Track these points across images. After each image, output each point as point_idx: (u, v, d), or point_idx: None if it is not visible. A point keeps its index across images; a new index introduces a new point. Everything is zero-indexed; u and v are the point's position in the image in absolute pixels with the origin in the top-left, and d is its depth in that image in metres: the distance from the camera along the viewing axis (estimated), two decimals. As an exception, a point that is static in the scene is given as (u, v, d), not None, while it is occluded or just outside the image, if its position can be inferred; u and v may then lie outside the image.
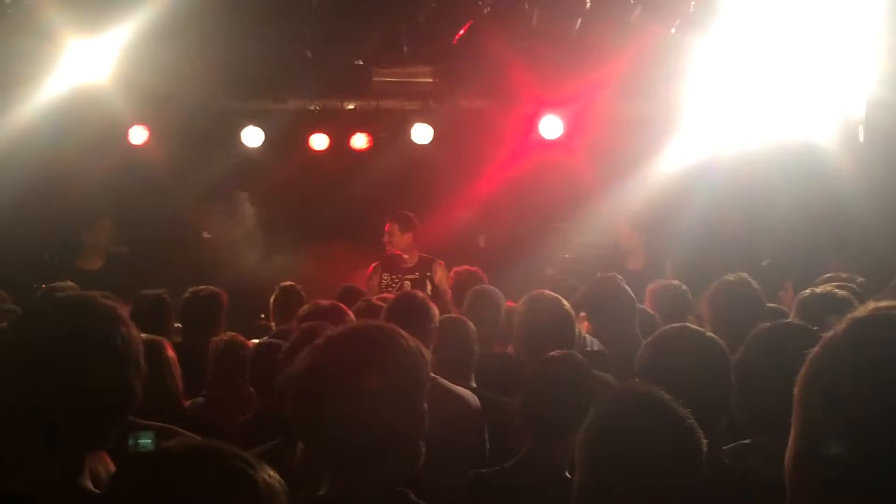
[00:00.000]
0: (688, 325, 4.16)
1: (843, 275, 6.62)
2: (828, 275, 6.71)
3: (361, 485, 2.63)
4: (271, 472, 1.97)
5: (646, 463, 2.80)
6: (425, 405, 2.73)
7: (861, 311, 1.79)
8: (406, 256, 10.15)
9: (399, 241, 10.16)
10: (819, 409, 1.74)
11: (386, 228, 10.22)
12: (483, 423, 5.13)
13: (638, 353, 3.98)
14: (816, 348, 1.80)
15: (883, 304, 1.79)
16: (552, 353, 4.33)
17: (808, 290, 5.69)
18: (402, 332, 2.77)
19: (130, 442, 3.26)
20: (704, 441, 2.87)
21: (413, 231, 10.20)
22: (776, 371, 3.54)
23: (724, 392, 3.66)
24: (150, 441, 3.76)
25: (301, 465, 3.21)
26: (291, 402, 2.67)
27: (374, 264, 10.25)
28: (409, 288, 9.88)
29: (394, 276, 10.10)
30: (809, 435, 1.76)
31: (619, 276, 6.55)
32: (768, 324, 4.04)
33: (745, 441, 3.74)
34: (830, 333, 1.79)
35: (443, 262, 10.18)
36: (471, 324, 5.86)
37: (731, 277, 6.27)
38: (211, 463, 1.89)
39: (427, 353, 2.78)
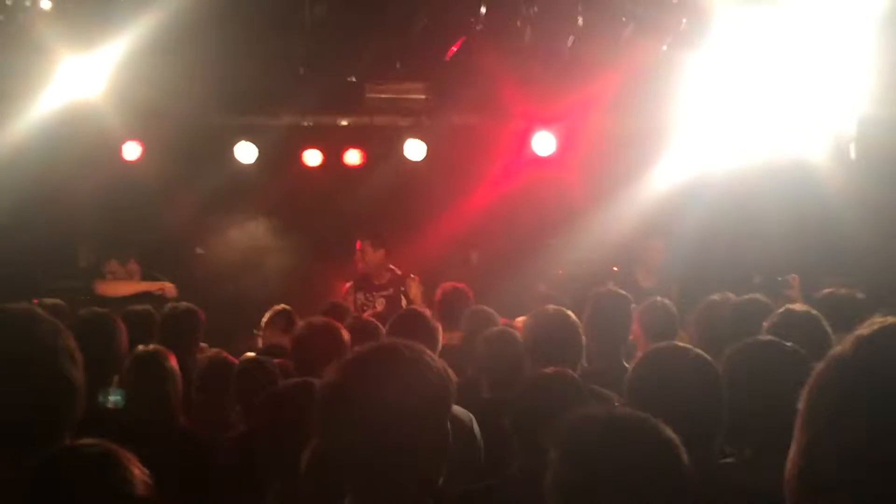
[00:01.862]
0: (677, 343, 4.15)
1: (843, 290, 6.62)
2: (828, 289, 6.70)
3: (383, 499, 2.66)
4: (138, 472, 2.37)
5: (620, 481, 2.78)
6: (449, 425, 2.75)
7: (867, 327, 1.79)
8: (383, 274, 10.17)
9: (371, 258, 10.19)
10: (824, 425, 1.74)
11: (357, 247, 10.24)
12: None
13: (627, 373, 3.97)
14: (822, 364, 1.80)
15: (890, 320, 1.79)
16: (546, 369, 4.34)
17: (783, 308, 5.70)
18: (429, 352, 2.80)
19: (100, 398, 3.27)
20: (684, 455, 2.84)
21: (385, 248, 10.23)
22: (757, 389, 3.58)
23: (716, 410, 3.65)
24: (119, 398, 3.81)
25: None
26: (318, 414, 2.72)
27: (347, 285, 10.27)
28: (383, 304, 9.89)
29: (368, 295, 10.11)
30: (813, 451, 1.75)
31: (622, 294, 6.54)
32: (745, 342, 4.06)
33: (728, 459, 3.73)
34: (838, 349, 1.79)
35: (417, 277, 10.19)
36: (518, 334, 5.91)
37: (717, 297, 6.31)
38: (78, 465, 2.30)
39: (452, 375, 2.79)
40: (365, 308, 9.88)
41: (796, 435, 1.79)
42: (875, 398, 1.68)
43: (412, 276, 10.24)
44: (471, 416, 5.18)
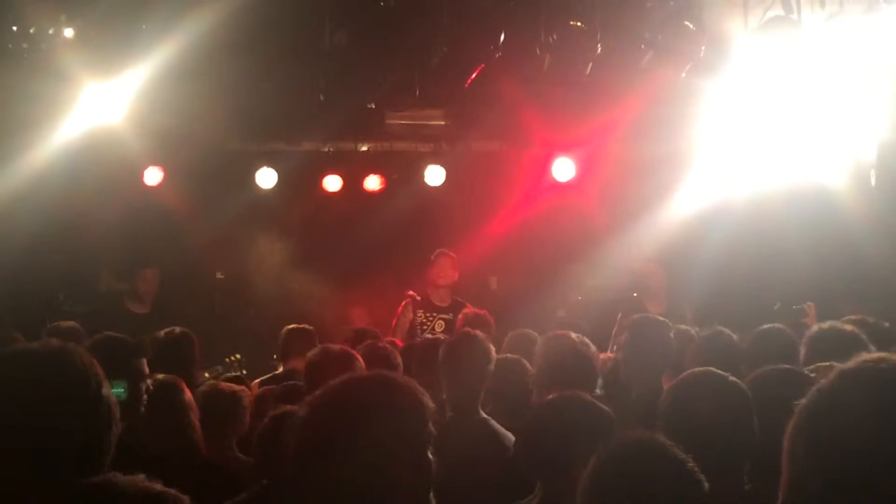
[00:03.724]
0: (710, 369, 4.14)
1: (871, 320, 6.60)
2: (849, 317, 6.68)
3: None
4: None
5: None
6: (430, 454, 2.65)
7: (849, 363, 1.81)
8: (447, 297, 10.19)
9: (451, 276, 10.19)
10: (806, 459, 1.76)
11: (445, 262, 10.20)
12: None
13: (661, 397, 3.99)
14: (805, 400, 1.82)
15: (872, 356, 1.81)
16: (560, 393, 4.34)
17: (815, 326, 5.70)
18: (404, 381, 2.72)
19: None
20: (706, 485, 2.88)
21: (458, 270, 10.29)
22: (769, 419, 3.58)
23: (746, 436, 3.68)
24: (122, 391, 3.88)
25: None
26: (291, 451, 2.64)
27: (406, 300, 10.23)
28: (442, 327, 9.90)
29: (428, 315, 10.12)
30: (797, 484, 1.77)
31: (662, 321, 6.49)
32: (764, 369, 4.08)
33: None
34: (819, 385, 1.81)
35: (470, 306, 10.21)
36: (527, 364, 5.90)
37: (706, 332, 6.29)
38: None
39: (429, 402, 2.70)
40: (424, 327, 9.94)
41: (783, 469, 1.81)
42: (855, 432, 1.70)
43: (468, 304, 10.23)
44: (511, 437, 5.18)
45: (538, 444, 4.04)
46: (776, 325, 6.29)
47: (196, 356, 7.12)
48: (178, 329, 7.18)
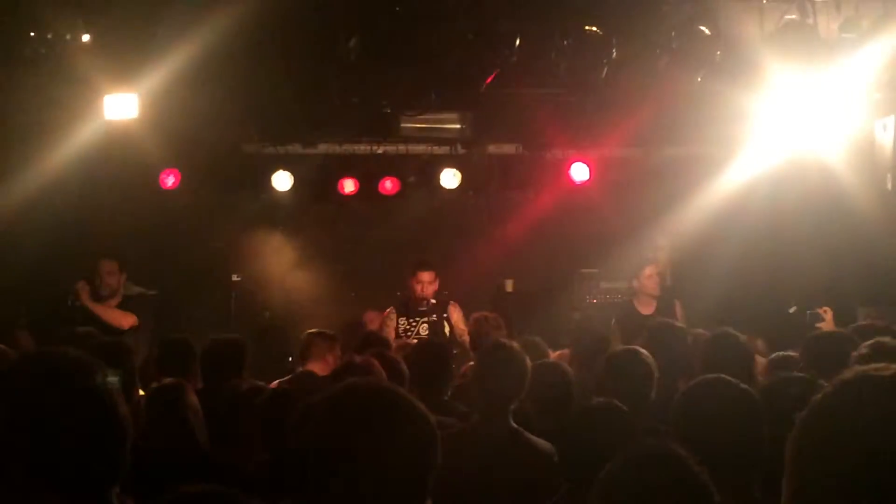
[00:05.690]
0: (721, 376, 4.15)
1: (880, 324, 6.59)
2: (864, 322, 6.67)
3: None
4: None
5: None
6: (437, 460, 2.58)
7: (847, 373, 1.83)
8: (427, 300, 10.19)
9: (432, 288, 10.19)
10: (807, 471, 1.77)
11: (424, 278, 10.18)
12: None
13: (672, 403, 4.00)
14: (805, 411, 1.84)
15: (869, 366, 1.82)
16: (598, 400, 4.38)
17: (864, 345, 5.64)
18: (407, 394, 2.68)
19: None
20: (717, 498, 2.88)
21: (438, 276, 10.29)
22: (780, 427, 3.59)
23: (757, 443, 3.68)
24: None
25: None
26: (306, 459, 2.58)
27: (388, 309, 10.27)
28: (426, 330, 9.91)
29: (411, 321, 10.11)
30: (800, 496, 1.78)
31: (679, 326, 6.43)
32: (776, 376, 4.09)
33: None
34: (819, 396, 1.82)
35: (457, 303, 10.20)
36: (568, 367, 5.88)
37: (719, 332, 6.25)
38: None
39: (432, 418, 2.63)
40: (408, 333, 9.92)
41: (784, 483, 1.82)
42: (855, 444, 1.71)
43: (453, 302, 10.24)
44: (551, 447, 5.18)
45: (573, 445, 4.06)
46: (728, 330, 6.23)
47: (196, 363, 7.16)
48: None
